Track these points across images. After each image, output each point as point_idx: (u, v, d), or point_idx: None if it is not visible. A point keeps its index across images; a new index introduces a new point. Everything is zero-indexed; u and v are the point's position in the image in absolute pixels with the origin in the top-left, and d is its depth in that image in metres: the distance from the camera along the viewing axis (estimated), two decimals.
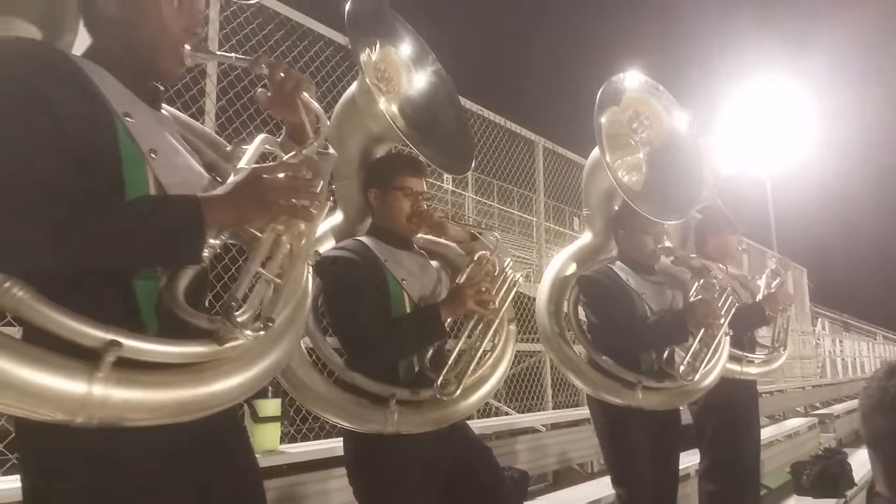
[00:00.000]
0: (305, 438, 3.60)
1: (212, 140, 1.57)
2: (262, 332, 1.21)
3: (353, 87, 2.24)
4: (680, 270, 3.13)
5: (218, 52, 1.41)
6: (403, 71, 2.36)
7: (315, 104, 1.43)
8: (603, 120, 2.89)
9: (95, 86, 1.18)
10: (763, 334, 3.83)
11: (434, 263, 2.33)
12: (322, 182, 1.38)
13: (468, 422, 2.31)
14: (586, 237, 3.15)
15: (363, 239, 2.19)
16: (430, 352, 2.12)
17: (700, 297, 2.92)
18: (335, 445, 3.13)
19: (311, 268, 1.51)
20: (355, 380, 2.05)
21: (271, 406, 3.00)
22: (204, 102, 3.21)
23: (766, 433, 6.26)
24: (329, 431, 3.70)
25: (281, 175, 1.24)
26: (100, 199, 1.13)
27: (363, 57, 2.11)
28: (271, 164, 1.34)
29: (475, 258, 2.27)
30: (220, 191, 1.23)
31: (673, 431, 2.91)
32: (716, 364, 2.92)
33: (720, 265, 3.32)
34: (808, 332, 12.53)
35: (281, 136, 1.52)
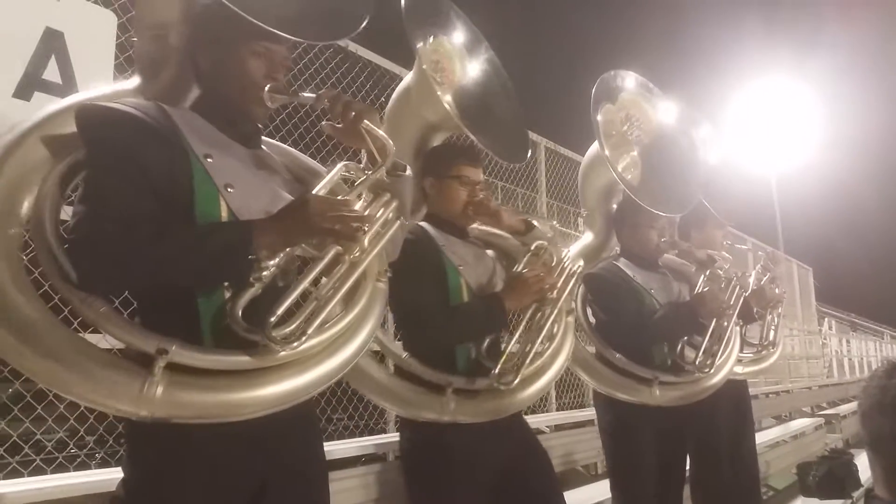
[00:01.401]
0: None
1: (311, 169, 1.74)
2: (295, 347, 1.34)
3: (408, 77, 2.29)
4: (684, 263, 3.08)
5: (292, 94, 1.54)
6: (457, 60, 2.40)
7: (379, 131, 1.56)
8: (599, 116, 2.86)
9: (182, 134, 1.42)
10: (751, 335, 3.71)
11: (489, 253, 2.36)
12: (398, 202, 1.60)
13: None
14: (587, 237, 3.18)
15: (421, 223, 2.23)
16: (488, 341, 2.14)
17: (707, 288, 2.92)
18: (330, 449, 3.09)
19: (383, 282, 1.65)
20: (412, 367, 2.09)
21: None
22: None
23: (772, 434, 6.23)
24: (328, 435, 3.66)
25: (326, 200, 1.40)
26: (169, 229, 1.33)
27: (419, 46, 2.15)
28: (321, 190, 1.49)
29: (532, 248, 2.30)
30: (272, 215, 1.39)
31: (683, 431, 2.89)
32: (729, 355, 2.93)
33: (725, 254, 3.25)
34: (815, 331, 12.43)
35: (362, 163, 1.65)
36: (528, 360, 2.10)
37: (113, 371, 1.25)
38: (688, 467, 3.35)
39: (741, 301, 3.03)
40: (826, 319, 14.17)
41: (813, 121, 16.24)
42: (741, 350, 3.42)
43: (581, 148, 3.21)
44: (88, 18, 2.39)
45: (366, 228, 1.46)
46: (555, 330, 2.29)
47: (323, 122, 1.62)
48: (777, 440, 6.15)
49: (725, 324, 2.87)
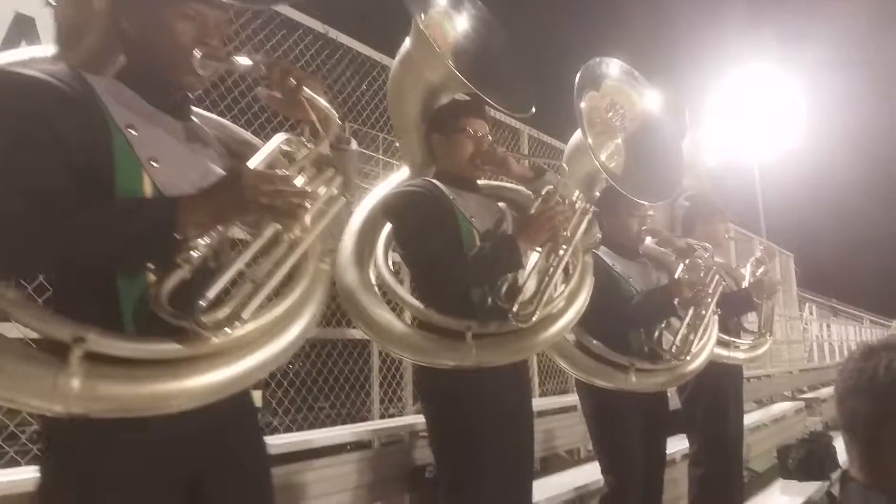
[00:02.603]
0: (288, 431, 3.53)
1: (245, 140, 1.61)
2: (230, 333, 1.21)
3: (406, 43, 2.26)
4: (664, 252, 3.07)
5: (227, 59, 1.40)
6: (448, 22, 2.37)
7: (321, 100, 1.44)
8: (583, 104, 2.81)
9: (99, 103, 1.25)
10: (751, 320, 3.79)
11: (501, 205, 2.34)
12: (344, 177, 1.44)
13: None
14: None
15: (430, 178, 2.21)
16: (505, 284, 2.10)
17: (685, 277, 2.89)
18: (315, 437, 3.08)
19: (326, 263, 1.51)
20: (430, 317, 2.08)
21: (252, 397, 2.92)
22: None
23: (753, 417, 6.25)
24: (312, 423, 3.64)
25: (261, 174, 1.25)
26: (83, 205, 1.18)
27: (419, 16, 2.14)
28: (257, 163, 1.37)
29: (542, 193, 2.25)
30: (201, 191, 1.25)
31: (662, 415, 2.91)
32: (706, 344, 2.92)
33: (706, 244, 3.27)
34: (796, 316, 12.51)
35: (304, 135, 1.52)
36: (545, 299, 2.07)
37: (22, 362, 1.09)
38: (683, 448, 3.42)
39: (719, 289, 3.02)
40: (807, 305, 14.29)
41: (796, 109, 16.28)
42: (739, 337, 3.48)
43: (563, 136, 3.18)
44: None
45: (307, 205, 1.31)
46: (571, 269, 2.27)
47: (258, 89, 1.49)
48: (758, 424, 6.18)
49: (703, 312, 2.85)
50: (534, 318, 2.04)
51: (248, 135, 1.66)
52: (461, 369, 2.01)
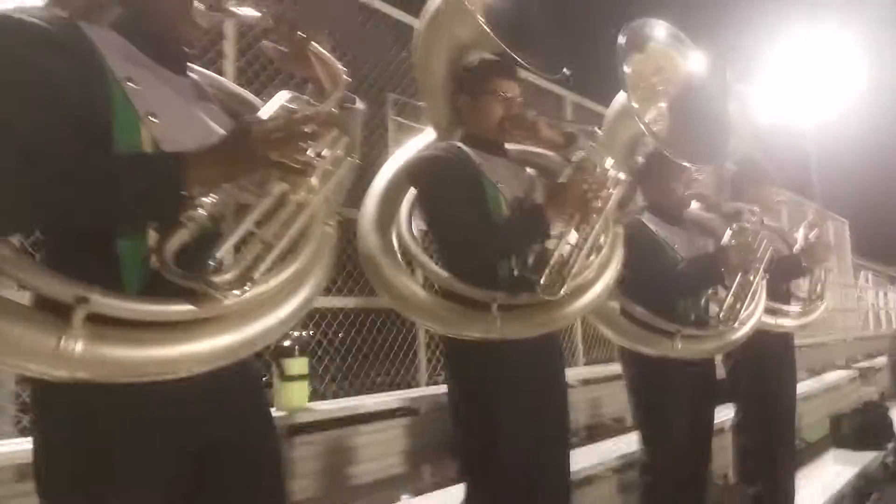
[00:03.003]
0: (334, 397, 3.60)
1: (244, 99, 1.53)
2: (241, 294, 1.15)
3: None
4: (710, 218, 3.00)
5: (231, 9, 1.33)
6: None
7: (329, 56, 1.37)
8: (626, 66, 2.75)
9: (98, 55, 1.17)
10: (802, 287, 3.68)
11: (529, 170, 2.26)
12: (348, 138, 1.35)
13: None
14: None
15: (456, 142, 2.11)
16: (532, 255, 2.05)
17: (733, 242, 2.79)
18: (361, 403, 3.13)
19: (330, 226, 1.43)
20: (455, 287, 2.01)
21: (298, 365, 2.97)
22: (223, 65, 3.14)
23: (806, 387, 6.11)
24: (359, 389, 3.70)
25: (272, 127, 1.17)
26: (82, 160, 1.11)
27: None
28: (264, 117, 1.29)
29: (574, 160, 2.15)
30: (208, 146, 1.17)
31: (710, 384, 2.82)
32: (754, 310, 2.82)
33: (754, 208, 3.18)
34: (850, 284, 12.14)
35: (307, 93, 1.45)
36: (574, 271, 1.99)
37: (20, 324, 1.01)
38: (730, 417, 3.36)
39: (770, 255, 2.96)
40: (862, 273, 13.84)
41: (853, 70, 15.61)
42: (788, 303, 3.40)
43: (608, 101, 3.11)
44: None
45: (316, 163, 1.23)
46: (602, 240, 2.17)
47: (263, 42, 1.41)
48: (810, 393, 6.05)
49: (751, 277, 2.75)
50: (562, 291, 1.97)
51: (245, 93, 1.57)
52: (486, 341, 1.95)
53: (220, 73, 3.06)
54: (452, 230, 2.03)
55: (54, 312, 1.04)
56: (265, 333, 1.23)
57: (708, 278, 2.70)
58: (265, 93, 1.54)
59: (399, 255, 2.19)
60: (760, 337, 3.01)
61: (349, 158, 1.40)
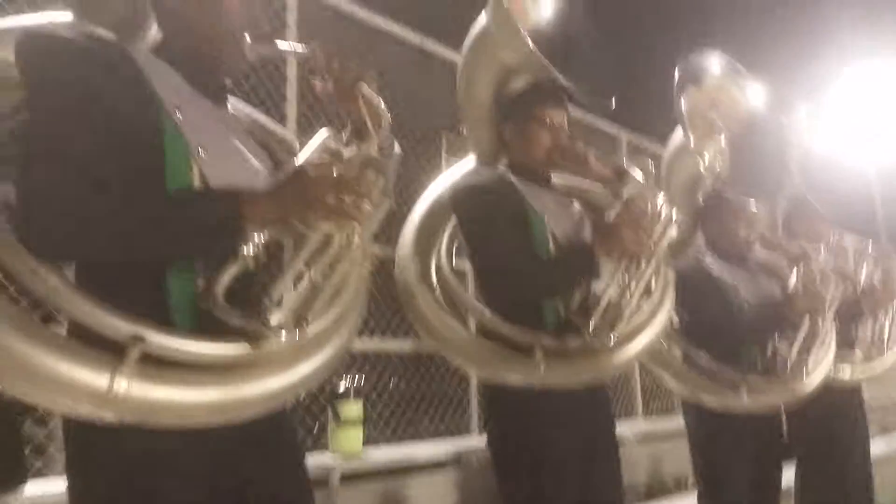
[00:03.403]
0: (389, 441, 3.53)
1: (280, 137, 1.53)
2: (297, 335, 1.15)
3: (482, 20, 2.08)
4: (775, 259, 2.84)
5: (277, 43, 1.35)
6: (531, 2, 2.19)
7: (376, 97, 1.36)
8: (683, 101, 2.66)
9: (146, 80, 1.17)
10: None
11: (575, 204, 2.13)
12: (384, 180, 1.32)
13: None
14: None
15: (501, 171, 2.03)
16: (578, 296, 1.92)
17: (801, 285, 2.63)
18: (417, 451, 3.05)
19: (367, 268, 1.42)
20: (496, 326, 1.88)
21: (353, 409, 2.93)
22: (284, 107, 3.20)
23: (880, 447, 5.72)
24: (412, 434, 3.62)
25: (328, 171, 1.18)
26: (138, 189, 1.11)
27: None
28: (320, 159, 1.30)
29: (625, 197, 2.03)
30: (264, 186, 1.18)
31: (778, 439, 2.65)
32: (824, 358, 2.63)
33: (821, 248, 2.99)
34: None
35: (346, 133, 1.45)
36: (624, 316, 1.88)
37: (69, 362, 0.96)
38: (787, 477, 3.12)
39: (839, 298, 2.77)
40: None
41: None
42: (851, 351, 3.16)
43: (665, 139, 3.02)
44: None
45: (365, 206, 1.21)
46: (653, 284, 2.03)
47: (312, 79, 1.40)
48: (884, 455, 5.67)
49: (820, 323, 2.57)
50: (612, 337, 1.85)
51: (278, 126, 1.58)
52: (529, 388, 1.82)
53: (283, 115, 3.13)
54: (495, 264, 1.91)
55: (102, 349, 1.01)
56: (311, 376, 1.22)
57: (775, 325, 2.53)
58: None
59: (438, 289, 2.07)
60: (824, 389, 2.79)
61: (387, 200, 1.41)
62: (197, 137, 1.18)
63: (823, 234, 3.19)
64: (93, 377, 0.98)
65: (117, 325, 1.02)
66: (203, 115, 1.25)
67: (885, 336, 3.21)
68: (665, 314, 2.06)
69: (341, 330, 1.29)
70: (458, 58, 3.51)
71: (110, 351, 1.00)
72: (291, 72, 3.21)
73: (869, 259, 3.32)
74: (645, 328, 1.98)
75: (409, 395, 3.66)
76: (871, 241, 3.43)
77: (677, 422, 4.72)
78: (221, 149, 1.24)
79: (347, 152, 1.32)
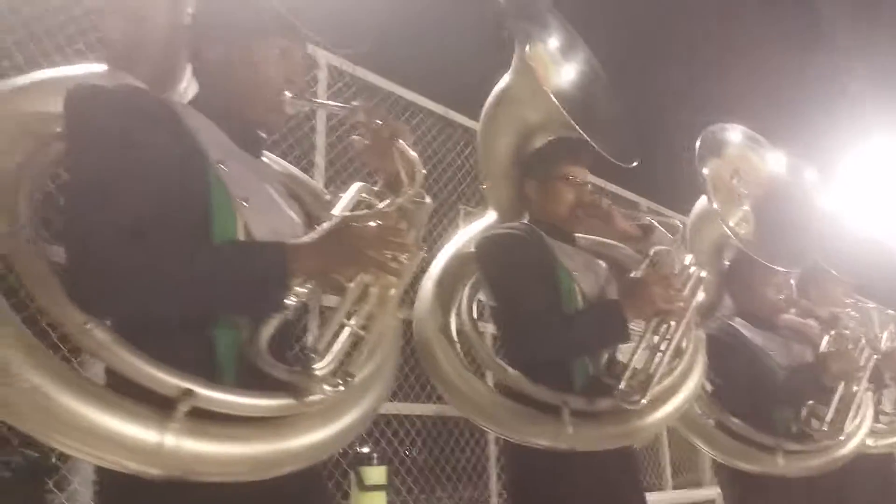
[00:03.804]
0: None
1: (312, 189, 1.56)
2: (341, 387, 1.15)
3: (507, 79, 2.10)
4: (805, 324, 2.83)
5: (317, 100, 1.42)
6: (553, 65, 2.22)
7: (411, 152, 1.40)
8: (706, 171, 2.71)
9: (191, 132, 1.19)
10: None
11: (601, 263, 2.08)
12: (416, 232, 1.38)
13: None
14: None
15: (527, 223, 2.00)
16: (607, 356, 1.87)
17: (833, 348, 2.61)
18: None
19: (401, 321, 1.45)
20: (521, 385, 1.80)
21: (376, 473, 2.89)
22: (314, 155, 3.29)
23: None
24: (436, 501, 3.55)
25: (371, 224, 1.20)
26: (185, 243, 1.12)
27: (525, 49, 2.01)
28: (362, 212, 1.32)
29: (651, 254, 1.99)
30: (307, 239, 1.20)
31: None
32: (861, 423, 2.59)
33: (851, 312, 2.96)
34: None
35: (378, 185, 1.49)
36: (655, 378, 1.79)
37: (120, 418, 0.98)
38: None
39: (872, 363, 2.75)
40: None
41: None
42: (875, 420, 3.09)
43: (683, 208, 3.07)
44: None
45: (407, 261, 1.23)
46: (683, 345, 1.97)
47: (353, 137, 1.45)
48: None
49: (855, 388, 2.55)
50: (644, 399, 1.77)
51: (308, 179, 1.61)
52: (554, 451, 1.74)
53: (312, 163, 3.22)
54: (522, 322, 1.83)
55: (150, 404, 1.02)
56: (351, 428, 1.22)
57: (809, 390, 2.49)
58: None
59: (458, 346, 1.99)
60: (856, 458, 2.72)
61: (422, 251, 1.39)
62: (240, 189, 1.21)
63: (836, 299, 3.15)
64: (142, 432, 0.99)
65: (167, 380, 1.03)
66: (244, 168, 1.27)
67: None
68: (697, 376, 2.01)
69: (379, 381, 1.30)
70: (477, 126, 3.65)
71: (158, 405, 1.02)
72: (321, 123, 3.26)
73: (892, 323, 3.28)
74: (677, 391, 1.94)
75: (430, 462, 3.61)
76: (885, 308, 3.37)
77: (706, 494, 4.60)
78: (262, 201, 1.27)
79: (381, 205, 1.35)
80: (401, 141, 1.37)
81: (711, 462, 5.14)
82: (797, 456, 2.43)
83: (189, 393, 1.02)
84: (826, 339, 2.68)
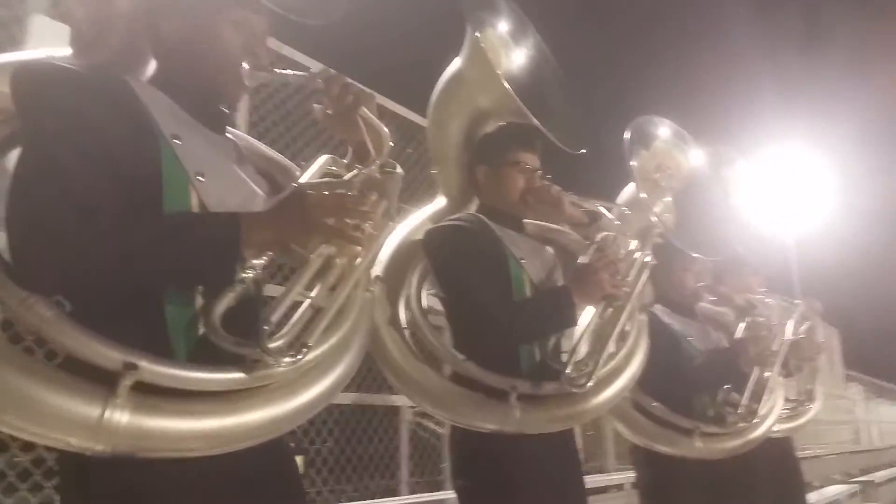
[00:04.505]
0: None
1: (282, 166, 1.53)
2: (297, 360, 1.12)
3: (458, 63, 2.07)
4: (719, 312, 2.93)
5: (277, 70, 1.36)
6: (503, 50, 2.19)
7: (376, 120, 1.38)
8: (633, 162, 2.76)
9: (145, 109, 1.17)
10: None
11: (548, 249, 2.11)
12: (386, 202, 1.35)
13: None
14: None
15: (476, 213, 2.00)
16: (554, 340, 1.89)
17: (749, 335, 2.70)
18: None
19: (371, 292, 1.43)
20: (471, 371, 1.80)
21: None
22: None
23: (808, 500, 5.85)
24: (351, 496, 3.49)
25: (327, 193, 1.18)
26: (134, 216, 1.09)
27: (476, 34, 1.97)
28: (319, 181, 1.31)
29: (597, 239, 2.02)
30: (263, 209, 1.18)
31: (734, 486, 2.60)
32: (773, 405, 2.72)
33: (767, 300, 3.09)
34: (841, 395, 12.02)
35: (347, 157, 1.46)
36: (602, 359, 1.84)
37: (59, 393, 0.96)
38: None
39: (785, 348, 2.87)
40: (853, 385, 13.74)
41: (830, 186, 16.14)
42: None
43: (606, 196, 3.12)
44: None
45: (367, 228, 1.21)
46: (627, 328, 2.02)
47: (314, 105, 1.41)
48: None
49: (767, 373, 2.66)
50: (589, 382, 1.81)
51: (281, 157, 1.57)
52: (501, 434, 1.76)
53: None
54: (471, 307, 1.86)
55: (93, 380, 0.99)
56: (314, 402, 1.19)
57: (725, 374, 2.60)
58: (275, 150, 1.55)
59: (407, 333, 1.98)
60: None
61: (391, 222, 1.39)
62: (195, 164, 1.18)
63: (751, 287, 3.29)
64: (84, 407, 0.96)
65: (109, 354, 1.00)
66: (202, 143, 1.24)
67: (809, 390, 3.32)
68: (640, 359, 2.06)
69: (345, 356, 1.27)
70: (409, 115, 3.56)
71: (103, 381, 0.99)
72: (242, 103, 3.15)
73: (797, 312, 3.45)
74: (620, 373, 1.97)
75: (346, 452, 3.55)
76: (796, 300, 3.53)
77: (608, 478, 4.72)
78: (221, 175, 1.23)
79: (349, 175, 1.32)
80: (364, 109, 1.34)
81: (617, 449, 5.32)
82: (714, 438, 2.52)
83: (132, 367, 0.99)
84: (741, 325, 2.78)
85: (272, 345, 1.08)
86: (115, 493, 1.04)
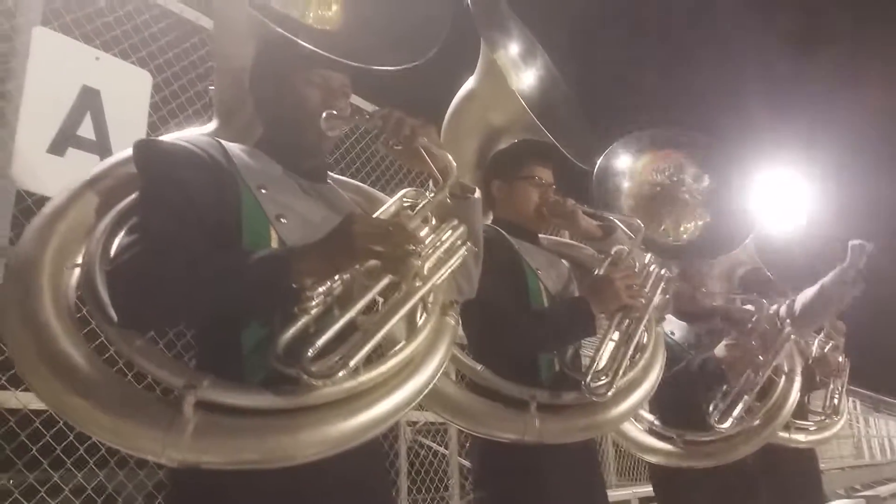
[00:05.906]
0: None
1: (379, 200, 1.61)
2: (335, 381, 1.16)
3: (471, 82, 2.13)
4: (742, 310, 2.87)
5: (350, 118, 1.46)
6: (514, 70, 2.24)
7: (436, 148, 1.44)
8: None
9: (232, 165, 1.35)
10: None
11: (563, 262, 2.13)
12: (464, 226, 1.45)
13: None
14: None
15: (493, 225, 2.02)
16: (572, 350, 1.90)
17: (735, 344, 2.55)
18: None
19: (451, 317, 1.46)
20: (489, 381, 1.81)
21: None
22: None
23: None
24: None
25: (374, 222, 1.27)
26: (210, 255, 1.23)
27: (492, 51, 2.03)
28: (364, 213, 1.41)
29: (612, 253, 2.04)
30: (315, 240, 1.25)
31: (755, 495, 2.57)
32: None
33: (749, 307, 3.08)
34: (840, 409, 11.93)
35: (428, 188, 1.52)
36: (622, 369, 1.83)
37: (136, 408, 1.11)
38: None
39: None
40: (851, 399, 13.69)
41: (819, 203, 16.21)
42: (804, 418, 3.21)
43: None
44: (125, 77, 2.39)
45: (419, 251, 1.26)
46: (645, 339, 2.01)
47: (379, 143, 1.48)
48: None
49: (756, 377, 2.54)
50: (610, 392, 1.80)
51: (383, 196, 1.65)
52: (521, 444, 1.75)
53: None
54: (489, 320, 1.83)
55: (170, 399, 1.13)
56: (375, 421, 1.23)
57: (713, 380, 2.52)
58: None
59: None
60: (779, 452, 2.83)
61: (467, 247, 1.46)
62: (277, 209, 1.32)
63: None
64: (155, 421, 1.10)
65: (173, 375, 1.15)
66: (290, 191, 1.39)
67: (834, 404, 3.30)
68: (657, 371, 2.05)
69: (415, 374, 1.30)
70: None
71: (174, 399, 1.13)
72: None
73: (822, 330, 3.45)
74: (640, 384, 1.96)
75: None
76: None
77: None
78: (308, 218, 1.35)
79: (422, 204, 1.42)
80: (423, 139, 1.41)
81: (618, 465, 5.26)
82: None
83: (192, 386, 1.11)
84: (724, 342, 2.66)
85: (314, 367, 1.14)
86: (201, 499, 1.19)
